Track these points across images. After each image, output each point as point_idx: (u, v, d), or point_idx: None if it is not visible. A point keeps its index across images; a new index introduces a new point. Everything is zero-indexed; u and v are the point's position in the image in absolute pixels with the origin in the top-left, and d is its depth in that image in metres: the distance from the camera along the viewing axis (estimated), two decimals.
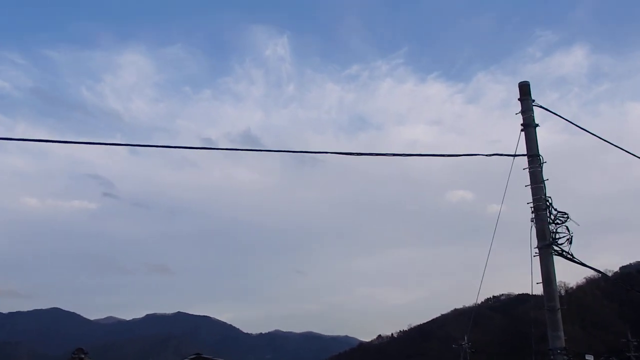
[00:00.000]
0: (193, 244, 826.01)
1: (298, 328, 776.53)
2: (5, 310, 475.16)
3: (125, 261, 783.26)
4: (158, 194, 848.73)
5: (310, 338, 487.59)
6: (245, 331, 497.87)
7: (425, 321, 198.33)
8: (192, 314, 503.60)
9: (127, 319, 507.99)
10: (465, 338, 68.03)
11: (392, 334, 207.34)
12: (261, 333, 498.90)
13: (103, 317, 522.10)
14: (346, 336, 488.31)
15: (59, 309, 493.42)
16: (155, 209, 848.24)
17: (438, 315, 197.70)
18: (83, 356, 31.99)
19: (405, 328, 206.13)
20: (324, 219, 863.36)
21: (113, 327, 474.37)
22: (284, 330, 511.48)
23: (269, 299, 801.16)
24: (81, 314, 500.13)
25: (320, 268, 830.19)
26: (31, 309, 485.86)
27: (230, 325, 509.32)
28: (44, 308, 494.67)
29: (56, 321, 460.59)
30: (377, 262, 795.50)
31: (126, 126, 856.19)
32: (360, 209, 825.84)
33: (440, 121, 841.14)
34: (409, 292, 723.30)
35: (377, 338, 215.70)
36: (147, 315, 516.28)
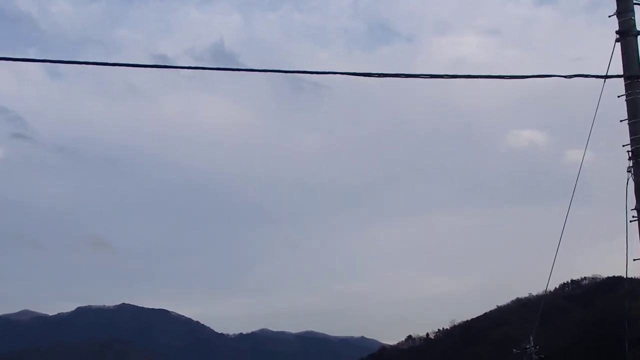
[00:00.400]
0: (143, 209, 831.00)
1: (294, 327, 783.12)
2: None
3: (46, 233, 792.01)
4: (91, 137, 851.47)
5: (310, 340, 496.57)
6: (219, 331, 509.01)
7: (474, 316, 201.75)
8: (142, 307, 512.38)
9: (51, 314, 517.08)
10: (531, 339, 68.44)
11: (427, 335, 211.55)
12: (242, 333, 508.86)
13: (16, 311, 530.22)
14: (362, 337, 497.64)
15: None
16: (87, 158, 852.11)
17: (493, 307, 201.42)
18: None
19: (447, 326, 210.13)
20: (330, 170, 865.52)
21: (31, 326, 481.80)
22: (274, 330, 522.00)
23: (252, 288, 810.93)
24: None
25: (325, 243, 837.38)
26: None
27: (198, 322, 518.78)
28: None
29: None
30: (408, 233, 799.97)
31: (44, 37, 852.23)
32: (383, 157, 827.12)
33: (498, 30, 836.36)
34: (453, 276, 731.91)
35: (406, 340, 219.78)
36: (78, 308, 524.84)
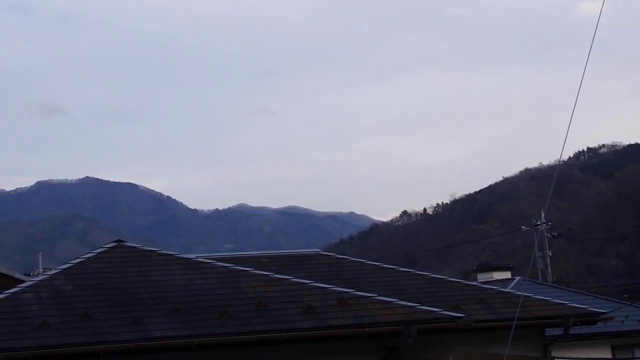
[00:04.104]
0: (102, 70, 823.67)
1: (274, 202, 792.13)
2: None
3: None
4: None
5: (293, 216, 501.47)
6: (192, 207, 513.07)
7: (477, 189, 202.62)
8: (107, 181, 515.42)
9: (8, 190, 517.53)
10: (542, 215, 67.50)
11: (424, 210, 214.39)
12: (217, 209, 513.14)
13: None
14: (351, 213, 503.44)
15: None
16: (37, 14, 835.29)
17: (499, 179, 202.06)
18: None
19: (447, 200, 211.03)
20: (309, 25, 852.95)
21: None
22: (252, 205, 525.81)
23: (228, 159, 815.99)
24: None
25: (303, 106, 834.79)
26: None
27: (168, 197, 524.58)
28: None
29: None
30: (398, 95, 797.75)
31: None
32: (367, 9, 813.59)
33: None
34: (452, 144, 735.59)
35: (400, 216, 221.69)
36: (37, 183, 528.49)
